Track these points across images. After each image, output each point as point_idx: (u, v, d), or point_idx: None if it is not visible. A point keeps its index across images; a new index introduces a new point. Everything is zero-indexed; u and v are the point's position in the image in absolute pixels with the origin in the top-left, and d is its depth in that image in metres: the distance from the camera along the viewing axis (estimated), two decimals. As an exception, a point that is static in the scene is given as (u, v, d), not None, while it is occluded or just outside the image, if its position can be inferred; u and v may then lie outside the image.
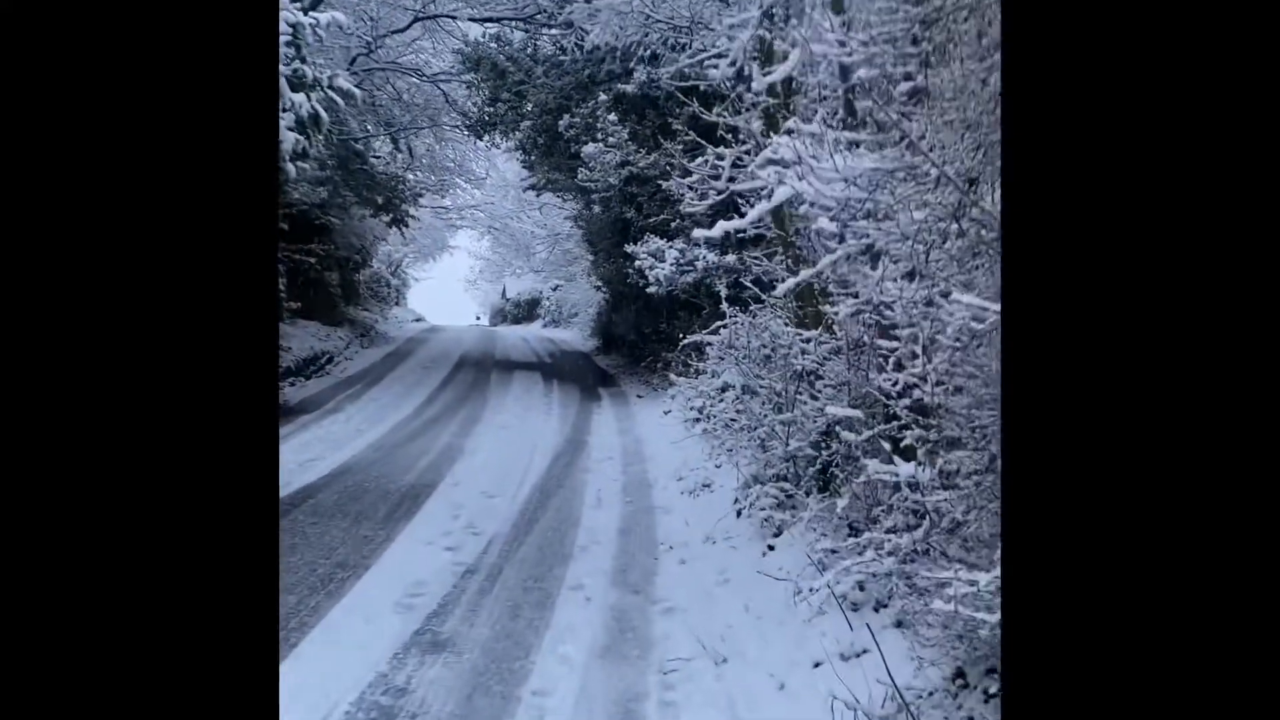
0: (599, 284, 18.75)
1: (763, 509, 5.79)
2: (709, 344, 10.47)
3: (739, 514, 6.29)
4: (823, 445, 5.25)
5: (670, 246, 12.46)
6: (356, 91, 12.10)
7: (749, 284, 8.88)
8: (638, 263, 12.30)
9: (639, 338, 15.38)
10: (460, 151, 25.17)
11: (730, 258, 12.06)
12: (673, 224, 12.96)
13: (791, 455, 6.31)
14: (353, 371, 15.09)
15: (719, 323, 8.88)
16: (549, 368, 17.14)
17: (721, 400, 9.96)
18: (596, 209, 14.70)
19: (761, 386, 7.96)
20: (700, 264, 12.19)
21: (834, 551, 5.00)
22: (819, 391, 5.20)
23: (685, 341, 9.48)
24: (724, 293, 9.47)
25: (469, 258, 38.75)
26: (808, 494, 5.92)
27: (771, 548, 5.41)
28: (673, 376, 10.74)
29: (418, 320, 31.92)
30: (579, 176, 13.88)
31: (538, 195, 22.07)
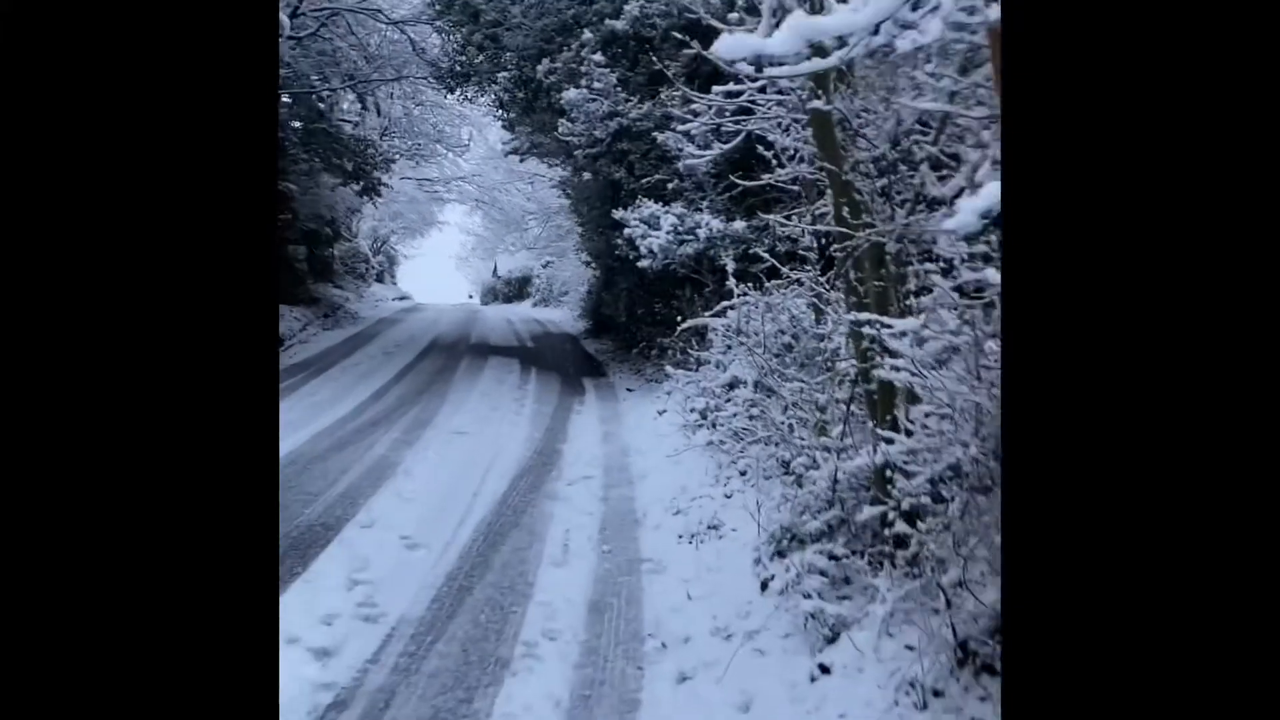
0: (588, 259, 16.68)
1: (806, 594, 3.74)
2: (713, 328, 8.56)
3: (764, 586, 4.25)
4: (919, 517, 3.17)
5: (667, 212, 10.42)
6: (285, 21, 10.02)
7: (765, 254, 7.06)
8: (627, 231, 10.25)
9: (630, 319, 13.31)
10: (440, 115, 23.25)
11: (739, 224, 10.05)
12: (669, 185, 10.92)
13: (841, 498, 4.27)
14: (300, 358, 13.02)
15: (725, 302, 7.03)
16: (529, 354, 15.07)
17: (729, 400, 8.00)
18: (585, 174, 12.59)
19: (788, 388, 6.01)
20: (702, 232, 10.20)
21: (939, 694, 2.96)
22: (912, 419, 3.14)
23: (684, 325, 7.59)
24: (731, 267, 7.65)
25: (460, 234, 36.94)
26: (873, 564, 3.88)
27: (825, 669, 3.35)
28: (669, 368, 8.83)
29: (400, 299, 30.02)
30: (560, 130, 11.78)
31: (521, 161, 20.08)
